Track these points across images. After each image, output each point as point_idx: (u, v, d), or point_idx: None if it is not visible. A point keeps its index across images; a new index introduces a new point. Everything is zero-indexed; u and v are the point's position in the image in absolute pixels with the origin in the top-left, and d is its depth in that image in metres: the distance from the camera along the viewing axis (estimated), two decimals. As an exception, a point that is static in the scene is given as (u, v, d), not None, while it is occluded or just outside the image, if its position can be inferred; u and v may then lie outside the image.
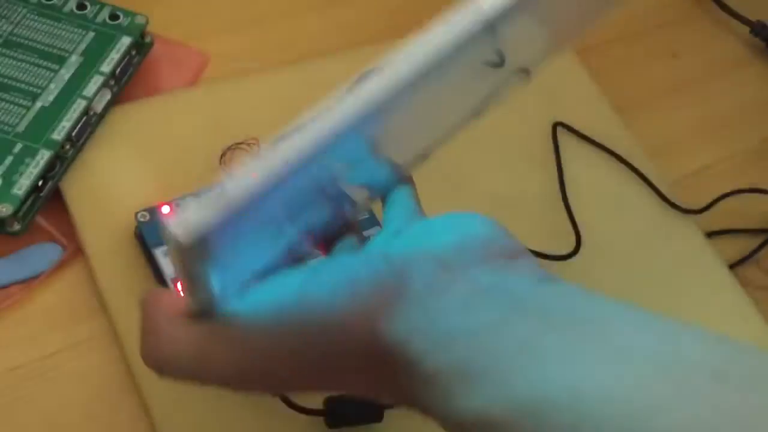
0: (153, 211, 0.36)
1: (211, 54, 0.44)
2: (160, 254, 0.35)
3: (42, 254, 0.37)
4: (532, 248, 0.39)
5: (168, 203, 0.36)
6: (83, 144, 0.39)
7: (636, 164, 0.45)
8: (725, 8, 0.55)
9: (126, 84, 0.41)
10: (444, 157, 0.45)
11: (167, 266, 0.35)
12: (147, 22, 0.41)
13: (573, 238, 0.42)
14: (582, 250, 0.41)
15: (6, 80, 0.38)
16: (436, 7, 0.21)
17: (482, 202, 0.42)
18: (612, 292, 0.29)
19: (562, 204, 0.43)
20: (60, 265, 0.37)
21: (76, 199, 0.37)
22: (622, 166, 0.46)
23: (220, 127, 0.41)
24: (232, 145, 0.39)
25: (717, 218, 0.45)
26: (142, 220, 0.36)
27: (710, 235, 0.45)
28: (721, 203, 0.45)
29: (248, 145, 0.39)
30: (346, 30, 0.45)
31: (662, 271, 0.42)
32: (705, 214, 0.45)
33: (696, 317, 0.38)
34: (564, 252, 0.41)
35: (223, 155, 0.39)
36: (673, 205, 0.45)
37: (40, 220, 0.37)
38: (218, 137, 0.40)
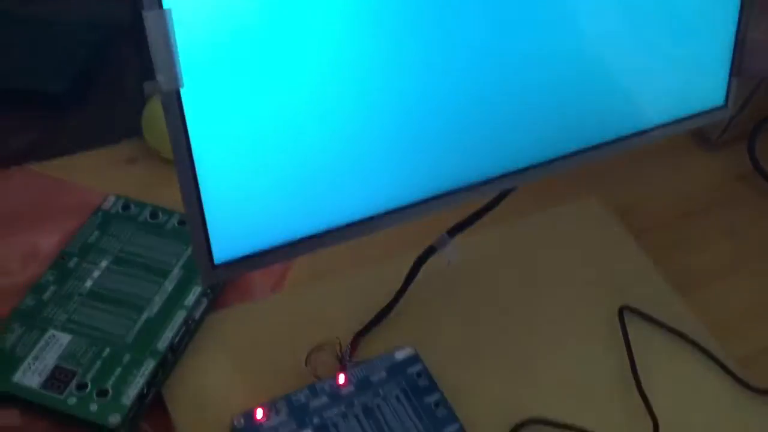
0: (248, 416, 0.38)
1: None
2: (255, 459, 0.37)
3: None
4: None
5: (262, 406, 0.39)
6: (183, 350, 0.42)
7: (705, 345, 0.46)
8: (775, 184, 0.57)
9: (221, 290, 0.45)
10: (513, 347, 0.47)
11: (261, 471, 0.37)
12: (239, 235, 0.46)
13: (649, 424, 0.42)
14: (659, 438, 0.42)
15: (118, 294, 0.43)
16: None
17: (554, 390, 0.44)
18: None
19: (633, 389, 0.44)
20: (160, 469, 0.39)
21: (176, 403, 0.40)
22: (693, 347, 0.47)
23: (305, 329, 0.44)
24: (316, 347, 0.42)
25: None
26: (237, 425, 0.38)
27: (789, 416, 0.45)
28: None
29: (331, 346, 0.42)
30: (425, 228, 0.48)
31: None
32: (781, 394, 0.45)
33: None
34: (641, 441, 0.41)
35: (308, 357, 0.42)
36: (748, 386, 0.45)
37: (143, 425, 0.40)
38: (303, 339, 0.43)
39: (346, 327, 0.44)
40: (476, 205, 0.42)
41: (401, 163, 0.35)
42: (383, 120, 0.33)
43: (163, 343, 0.41)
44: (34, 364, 0.39)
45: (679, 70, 0.38)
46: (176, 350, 0.42)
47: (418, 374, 0.42)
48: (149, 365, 0.40)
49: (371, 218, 0.35)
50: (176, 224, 0.46)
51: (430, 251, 0.45)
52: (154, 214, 0.47)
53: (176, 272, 0.44)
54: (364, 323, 0.44)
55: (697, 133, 0.61)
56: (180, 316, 0.42)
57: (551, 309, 0.48)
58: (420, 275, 0.45)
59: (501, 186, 0.38)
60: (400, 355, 0.42)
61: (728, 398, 0.45)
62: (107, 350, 0.40)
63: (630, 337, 0.46)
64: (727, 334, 0.48)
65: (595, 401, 0.44)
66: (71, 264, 0.44)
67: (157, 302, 0.43)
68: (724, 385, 0.45)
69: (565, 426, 0.41)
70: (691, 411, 0.44)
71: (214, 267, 0.32)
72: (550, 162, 0.38)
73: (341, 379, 0.41)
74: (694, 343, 0.47)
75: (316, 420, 0.39)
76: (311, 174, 0.33)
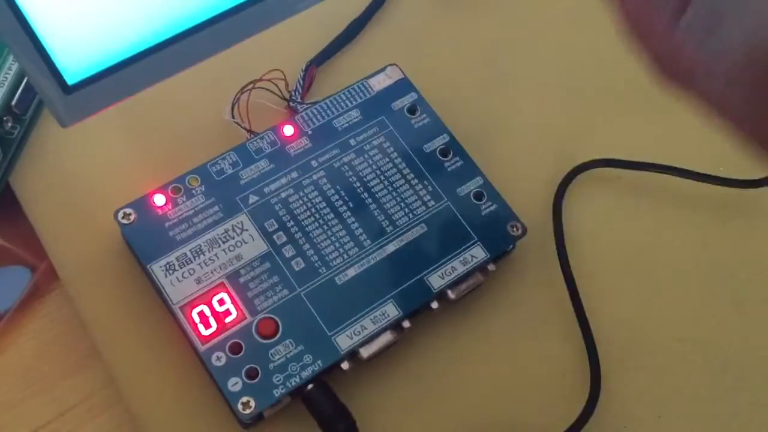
0: (141, 205, 0.24)
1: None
2: (159, 271, 0.23)
3: (5, 284, 0.26)
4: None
5: (162, 189, 0.24)
6: (33, 117, 0.27)
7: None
8: None
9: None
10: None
11: (171, 288, 0.23)
12: None
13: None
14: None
15: None
16: None
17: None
18: None
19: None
20: (31, 295, 0.25)
21: (32, 198, 0.26)
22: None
23: (228, 61, 0.28)
24: (247, 86, 0.26)
25: None
26: (125, 222, 0.24)
27: None
28: None
29: (271, 81, 0.26)
30: None
31: None
32: None
33: None
34: None
35: (234, 104, 0.26)
36: None
37: (-8, 237, 0.26)
38: (226, 76, 0.27)
39: (292, 54, 0.28)
40: None
41: None
42: None
43: (-9, 107, 0.25)
44: None
45: None
46: (19, 116, 0.26)
47: (411, 108, 0.26)
48: (-27, 143, 0.25)
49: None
50: None
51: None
52: None
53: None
54: (323, 46, 0.28)
55: None
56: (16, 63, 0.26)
57: None
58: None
59: None
60: (380, 81, 0.26)
61: None
62: None
63: None
64: None
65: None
66: None
67: (-22, 44, 0.26)
68: None
69: (641, 164, 0.27)
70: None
71: (68, 90, 0.17)
72: None
73: (288, 130, 0.25)
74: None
75: (253, 198, 0.24)
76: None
